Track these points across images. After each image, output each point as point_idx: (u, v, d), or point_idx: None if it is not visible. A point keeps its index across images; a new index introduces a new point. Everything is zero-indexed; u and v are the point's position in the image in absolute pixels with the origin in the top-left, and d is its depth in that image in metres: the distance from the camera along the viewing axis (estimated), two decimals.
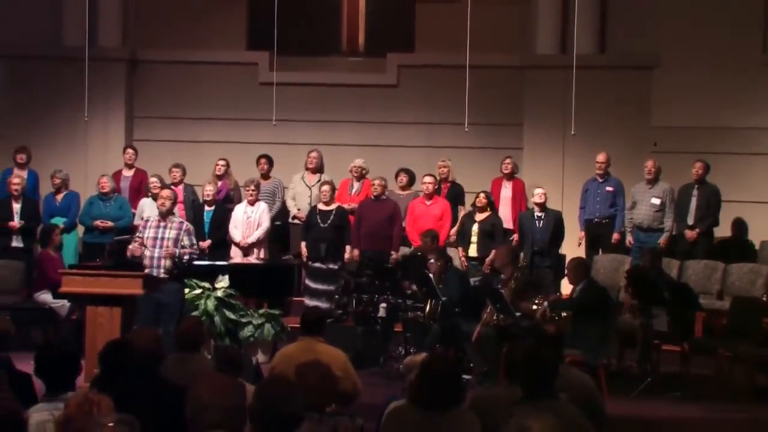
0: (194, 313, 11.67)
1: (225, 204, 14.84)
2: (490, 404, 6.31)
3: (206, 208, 14.57)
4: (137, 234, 12.54)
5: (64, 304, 13.12)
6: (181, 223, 12.58)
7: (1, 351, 7.32)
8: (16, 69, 17.04)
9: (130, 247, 12.55)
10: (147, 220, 12.61)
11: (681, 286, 12.58)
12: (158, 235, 12.30)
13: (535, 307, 11.39)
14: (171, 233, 12.30)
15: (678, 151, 15.28)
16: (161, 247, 12.23)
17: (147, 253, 12.24)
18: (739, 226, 14.72)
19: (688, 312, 12.04)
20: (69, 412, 5.04)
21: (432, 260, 12.54)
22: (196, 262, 13.30)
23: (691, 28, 16.14)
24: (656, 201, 14.46)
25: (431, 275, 12.33)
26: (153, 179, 14.73)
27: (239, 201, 14.85)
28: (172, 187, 14.56)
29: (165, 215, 12.42)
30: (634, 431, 9.78)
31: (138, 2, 17.27)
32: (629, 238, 14.70)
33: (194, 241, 12.62)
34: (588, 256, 14.56)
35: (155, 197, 14.18)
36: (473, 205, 14.47)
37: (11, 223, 14.49)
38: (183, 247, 12.33)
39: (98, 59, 16.27)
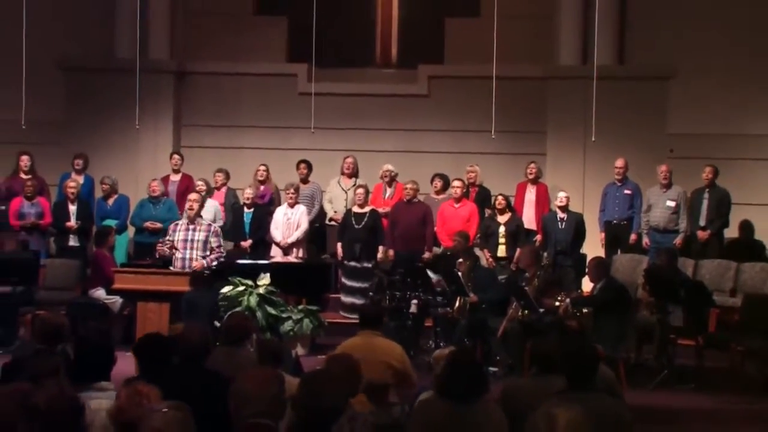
0: (237, 309, 11.72)
1: (267, 207, 14.84)
2: (520, 394, 6.29)
3: (246, 210, 14.59)
4: (167, 237, 12.47)
5: (117, 300, 13.15)
6: (209, 225, 12.55)
7: (56, 343, 7.26)
8: (74, 81, 17.07)
9: (159, 248, 12.57)
10: (176, 224, 12.56)
11: (696, 283, 12.52)
12: (188, 237, 12.25)
13: (557, 303, 11.41)
14: (200, 235, 12.25)
15: (692, 157, 15.23)
16: (192, 248, 12.19)
17: (179, 254, 12.21)
18: (747, 227, 14.64)
19: (702, 308, 12.01)
20: (120, 403, 5.05)
21: (461, 260, 12.54)
22: (239, 261, 13.38)
23: (704, 42, 16.10)
24: (671, 204, 14.44)
25: (460, 273, 12.34)
26: (200, 183, 14.77)
27: (279, 204, 14.88)
28: (214, 190, 14.70)
29: (193, 219, 12.36)
30: (652, 421, 9.70)
31: (185, 18, 17.31)
32: (646, 239, 14.66)
33: (221, 243, 12.57)
34: (607, 255, 14.53)
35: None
36: (493, 207, 14.47)
37: (68, 224, 14.59)
38: (211, 249, 12.27)
39: (148, 71, 16.30)
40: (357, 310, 13.14)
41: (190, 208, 12.39)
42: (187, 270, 12.10)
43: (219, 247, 12.44)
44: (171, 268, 12.27)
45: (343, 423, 5.61)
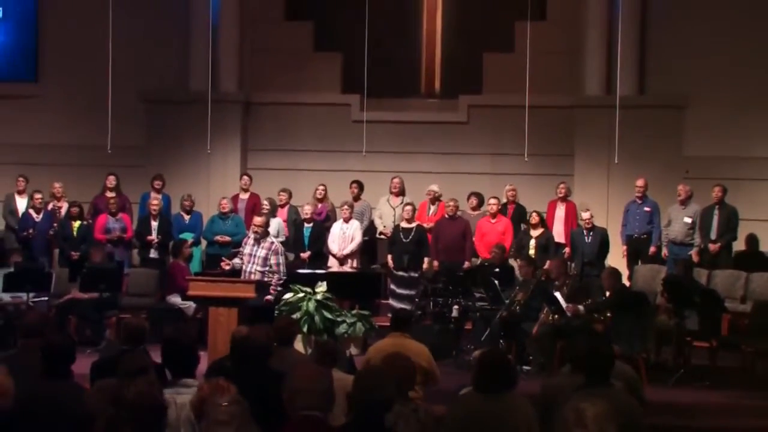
0: (296, 314, 11.76)
1: (324, 223, 14.89)
2: (555, 391, 6.30)
3: (305, 225, 14.63)
4: (240, 249, 12.41)
5: (191, 305, 13.19)
6: (272, 243, 12.30)
7: (139, 344, 7.31)
8: (153, 111, 17.17)
9: (225, 262, 12.57)
10: (249, 237, 12.44)
11: (709, 291, 12.43)
12: (252, 252, 12.12)
13: (581, 308, 11.43)
14: (261, 252, 12.09)
15: (706, 177, 15.11)
16: (253, 263, 12.05)
17: (244, 267, 12.12)
18: (753, 240, 14.52)
19: (715, 314, 11.94)
20: (203, 394, 5.09)
21: (519, 292, 12.39)
22: (299, 271, 13.41)
23: (715, 74, 16.02)
24: (688, 220, 14.38)
25: (519, 300, 12.28)
26: (265, 201, 14.84)
27: (335, 220, 14.93)
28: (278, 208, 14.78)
29: (258, 240, 12.17)
30: (670, 415, 9.66)
31: (251, 54, 17.39)
32: (665, 251, 14.58)
33: (280, 261, 12.27)
34: (629, 266, 14.49)
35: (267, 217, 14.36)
36: (527, 222, 14.45)
37: (149, 238, 14.73)
38: (269, 266, 12.08)
39: (219, 102, 16.47)
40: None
41: (255, 232, 12.24)
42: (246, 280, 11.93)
43: (278, 265, 12.19)
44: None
45: (406, 413, 5.66)
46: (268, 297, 12.06)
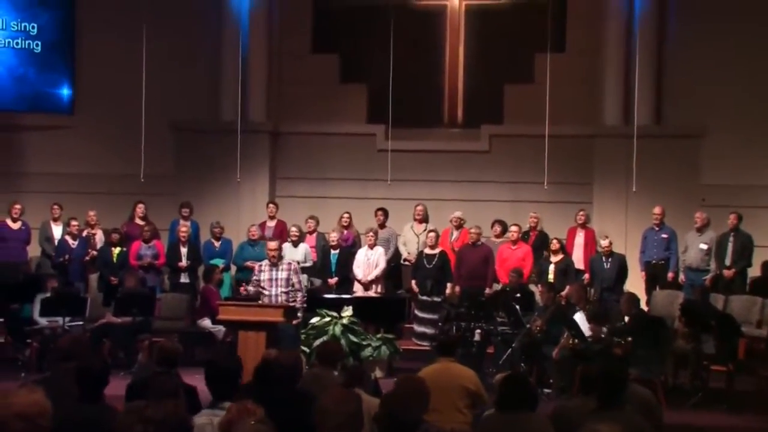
0: (323, 338, 11.81)
1: (351, 249, 14.95)
2: (570, 413, 6.33)
3: (332, 251, 14.69)
4: (254, 278, 12.33)
5: (221, 329, 13.31)
6: (290, 264, 12.35)
7: (172, 367, 7.33)
8: (183, 140, 17.30)
9: (244, 287, 12.61)
10: (260, 265, 12.38)
11: (726, 316, 12.42)
12: (272, 276, 12.09)
13: (605, 329, 11.47)
14: (282, 274, 12.10)
15: (722, 205, 15.08)
16: (276, 286, 12.04)
17: (265, 292, 12.05)
18: (767, 266, 14.51)
19: (732, 338, 11.89)
20: (231, 416, 5.13)
21: (537, 320, 12.42)
22: (326, 296, 13.46)
23: (730, 104, 16.04)
24: (704, 246, 14.37)
25: (517, 307, 12.36)
26: (293, 228, 14.89)
27: (360, 246, 14.99)
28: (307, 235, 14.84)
29: (275, 264, 12.20)
30: None
31: (279, 86, 17.49)
32: (682, 277, 14.57)
33: (301, 279, 12.41)
34: (647, 292, 14.49)
35: (295, 243, 14.45)
36: (547, 249, 14.48)
37: (180, 264, 14.83)
38: (293, 285, 12.11)
39: (248, 132, 16.64)
40: (430, 339, 13.29)
41: (272, 257, 12.25)
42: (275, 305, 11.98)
43: (299, 283, 12.28)
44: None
45: None
46: (297, 320, 12.13)
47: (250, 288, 12.30)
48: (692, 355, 11.84)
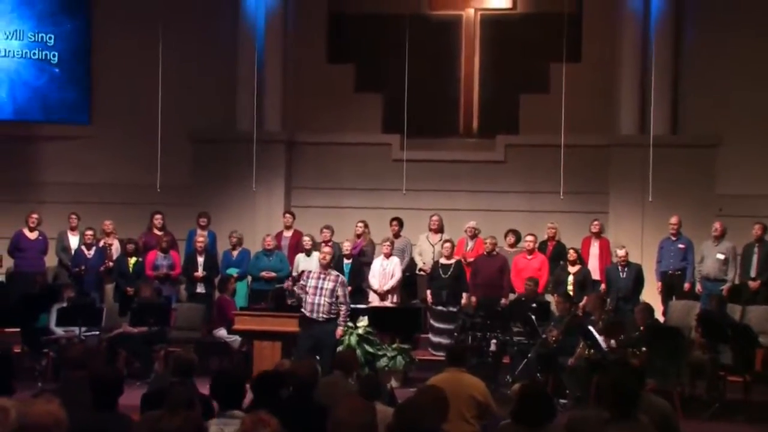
0: (339, 348, 11.80)
1: (359, 258, 14.91)
2: (583, 424, 6.29)
3: (345, 261, 14.63)
4: (301, 281, 12.30)
5: (237, 338, 13.29)
6: (338, 276, 12.31)
7: (188, 376, 7.32)
8: (200, 150, 17.31)
9: (287, 285, 12.62)
10: (310, 271, 12.43)
11: (743, 326, 12.35)
12: (318, 284, 12.05)
13: (613, 342, 11.41)
14: (329, 284, 12.05)
15: (738, 215, 15.03)
16: (321, 295, 12.00)
17: (309, 299, 12.00)
18: None
19: (749, 349, 11.84)
20: (245, 427, 5.12)
21: (554, 331, 12.39)
22: None
23: (748, 111, 15.99)
24: (721, 256, 14.29)
25: (533, 317, 12.32)
26: (306, 238, 14.88)
27: (371, 255, 14.95)
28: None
29: (325, 267, 12.22)
30: None
31: (295, 96, 17.48)
32: (698, 287, 14.50)
33: (346, 293, 12.36)
34: (664, 302, 14.43)
35: (308, 253, 14.41)
36: (564, 259, 14.43)
37: (196, 274, 14.81)
38: (337, 297, 12.06)
39: (263, 141, 16.64)
40: (443, 349, 13.24)
41: (324, 259, 12.27)
42: (315, 314, 12.01)
43: (345, 296, 12.21)
44: (302, 310, 12.11)
45: None
46: (339, 330, 12.12)
47: (296, 289, 12.32)
48: (709, 365, 11.78)
